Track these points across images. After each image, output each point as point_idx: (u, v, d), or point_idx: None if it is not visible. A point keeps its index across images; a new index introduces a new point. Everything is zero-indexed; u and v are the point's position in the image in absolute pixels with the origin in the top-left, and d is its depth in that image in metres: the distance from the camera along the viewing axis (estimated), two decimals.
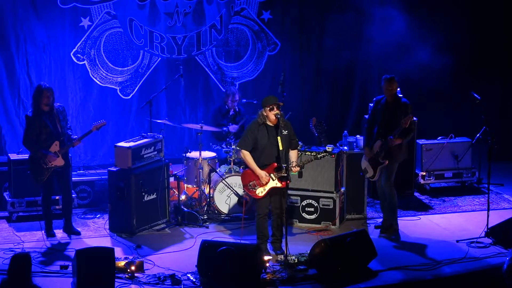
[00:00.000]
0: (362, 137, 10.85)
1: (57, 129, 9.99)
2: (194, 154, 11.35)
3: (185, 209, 10.80)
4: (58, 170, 10.06)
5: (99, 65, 12.70)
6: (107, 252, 8.59)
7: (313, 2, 13.40)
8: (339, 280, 8.85)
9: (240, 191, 10.78)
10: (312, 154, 10.31)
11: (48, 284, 8.59)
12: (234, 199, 10.93)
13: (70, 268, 8.99)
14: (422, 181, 12.01)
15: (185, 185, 11.34)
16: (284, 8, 13.34)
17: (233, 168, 11.03)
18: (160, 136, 10.86)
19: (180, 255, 9.67)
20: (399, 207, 10.62)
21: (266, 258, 9.13)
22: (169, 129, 12.27)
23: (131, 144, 10.44)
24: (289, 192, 10.00)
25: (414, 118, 10.58)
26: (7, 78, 12.31)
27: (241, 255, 8.80)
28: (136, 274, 8.91)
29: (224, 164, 11.34)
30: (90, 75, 12.69)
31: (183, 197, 11.08)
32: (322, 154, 9.96)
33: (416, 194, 11.94)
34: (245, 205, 10.39)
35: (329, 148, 10.50)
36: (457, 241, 10.03)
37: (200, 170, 11.08)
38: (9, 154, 11.25)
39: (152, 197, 10.55)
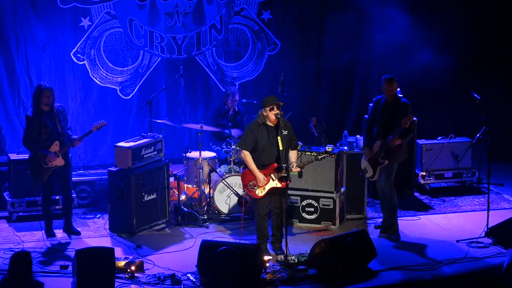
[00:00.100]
0: (362, 137, 10.84)
1: (57, 129, 9.99)
2: (194, 154, 11.35)
3: (185, 209, 10.80)
4: (58, 170, 10.06)
5: (99, 65, 12.70)
6: (107, 252, 8.59)
7: (313, 2, 13.40)
8: (339, 280, 8.85)
9: (240, 191, 10.79)
10: (313, 154, 10.31)
11: (48, 284, 8.58)
12: (234, 199, 10.93)
13: (70, 268, 8.99)
14: (422, 181, 12.01)
15: (185, 185, 11.34)
16: (284, 8, 13.34)
17: (233, 168, 11.03)
18: (160, 136, 10.86)
19: (180, 255, 9.67)
20: (399, 207, 10.62)
21: (266, 258, 9.13)
22: (169, 129, 12.27)
23: (131, 144, 10.44)
24: (289, 192, 10.00)
25: (414, 118, 10.58)
26: (7, 78, 12.31)
27: (241, 255, 8.80)
28: (136, 274, 8.92)
29: (224, 164, 11.34)
30: (90, 75, 12.69)
31: (183, 197, 11.08)
32: (323, 155, 9.94)
33: (416, 194, 11.94)
34: (245, 205, 10.39)
35: (329, 148, 10.50)
36: (457, 241, 10.03)
37: (200, 170, 11.08)
38: (9, 154, 11.25)
39: (152, 197, 10.55)
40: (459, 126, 13.17)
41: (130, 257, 9.25)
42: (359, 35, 13.46)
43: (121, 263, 8.97)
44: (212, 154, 11.46)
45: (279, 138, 9.23)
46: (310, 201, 10.65)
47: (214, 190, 10.93)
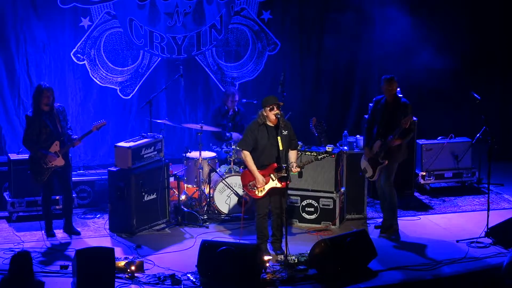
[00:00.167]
0: (362, 137, 10.84)
1: (57, 129, 9.99)
2: (194, 154, 11.35)
3: (185, 209, 10.80)
4: (58, 170, 10.06)
5: (99, 65, 12.70)
6: (107, 252, 8.59)
7: (313, 2, 13.40)
8: (339, 280, 8.85)
9: (240, 191, 10.78)
10: (313, 154, 10.31)
11: (48, 284, 8.56)
12: (234, 199, 10.93)
13: (70, 268, 8.99)
14: (422, 181, 12.00)
15: (185, 185, 11.34)
16: (284, 8, 13.33)
17: (233, 168, 11.03)
18: (160, 136, 10.86)
19: (180, 255, 9.67)
20: (399, 207, 10.61)
21: (266, 258, 9.13)
22: (169, 129, 12.28)
23: (131, 144, 10.44)
24: (289, 192, 10.00)
25: (414, 118, 10.58)
26: (7, 78, 12.31)
27: (241, 255, 8.80)
28: (136, 274, 8.91)
29: (224, 164, 11.34)
30: (90, 75, 12.69)
31: (183, 197, 11.08)
32: (323, 155, 9.94)
33: (416, 194, 11.94)
34: (245, 205, 10.39)
35: (329, 148, 10.49)
36: (457, 241, 10.03)
37: (200, 170, 11.08)
38: (9, 154, 11.25)
39: (152, 197, 10.55)
40: (459, 126, 13.17)
41: (130, 257, 9.25)
42: (359, 35, 13.46)
43: (121, 263, 8.97)
44: (212, 154, 11.46)
45: (279, 138, 9.22)
46: (310, 201, 10.65)
47: (214, 190, 10.93)
